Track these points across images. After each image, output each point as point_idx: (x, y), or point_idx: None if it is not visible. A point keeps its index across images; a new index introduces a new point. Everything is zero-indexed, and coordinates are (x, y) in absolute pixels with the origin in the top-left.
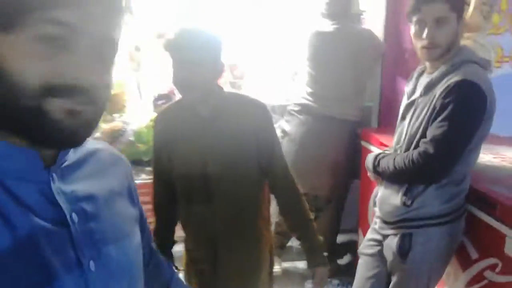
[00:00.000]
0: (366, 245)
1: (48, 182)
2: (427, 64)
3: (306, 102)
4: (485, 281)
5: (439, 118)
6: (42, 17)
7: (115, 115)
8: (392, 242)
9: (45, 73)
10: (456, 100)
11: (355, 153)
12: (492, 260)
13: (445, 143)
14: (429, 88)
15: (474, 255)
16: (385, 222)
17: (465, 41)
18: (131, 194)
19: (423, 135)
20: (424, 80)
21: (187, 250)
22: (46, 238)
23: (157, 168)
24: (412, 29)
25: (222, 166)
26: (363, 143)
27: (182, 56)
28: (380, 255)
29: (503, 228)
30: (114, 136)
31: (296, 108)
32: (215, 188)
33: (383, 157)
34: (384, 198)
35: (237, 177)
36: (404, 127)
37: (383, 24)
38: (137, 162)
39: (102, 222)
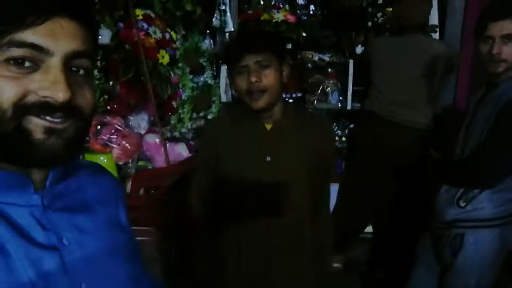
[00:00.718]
0: (421, 245)
1: (39, 206)
2: (492, 77)
3: (375, 108)
4: None
5: (493, 132)
6: (9, 41)
7: (202, 113)
8: (445, 242)
9: (18, 93)
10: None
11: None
12: None
13: (496, 153)
14: (487, 102)
15: None
16: (440, 223)
17: None
18: (119, 219)
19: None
20: (489, 95)
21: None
22: (38, 261)
23: (207, 175)
24: (481, 46)
25: (280, 182)
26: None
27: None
28: (434, 255)
29: None
30: (198, 133)
31: (365, 115)
32: (271, 199)
33: (444, 161)
34: (441, 200)
35: (300, 192)
36: (462, 137)
37: (459, 36)
38: None
39: (92, 249)
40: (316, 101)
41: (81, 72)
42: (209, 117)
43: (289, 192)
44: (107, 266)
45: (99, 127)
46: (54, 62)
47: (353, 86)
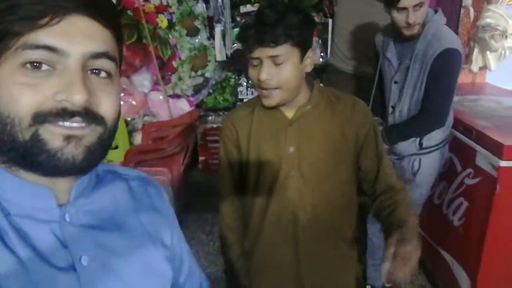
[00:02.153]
0: None
1: (60, 222)
2: (404, 35)
3: (335, 62)
4: (464, 186)
5: (434, 79)
6: (24, 43)
7: (199, 71)
8: (406, 165)
9: (35, 101)
10: (446, 65)
11: None
12: (468, 170)
13: (446, 98)
14: (418, 55)
15: (458, 168)
16: (402, 156)
17: (486, 13)
18: (162, 236)
19: (420, 94)
20: (407, 49)
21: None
22: (52, 283)
23: (229, 168)
24: (395, 15)
25: (309, 172)
26: None
27: None
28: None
29: (475, 146)
30: (198, 89)
31: (328, 69)
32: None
33: (396, 130)
34: (402, 147)
35: (327, 183)
36: (398, 89)
37: None
38: (215, 110)
39: (117, 271)
40: None
41: (103, 74)
42: (207, 75)
43: (318, 184)
44: (133, 286)
45: None
46: (71, 64)
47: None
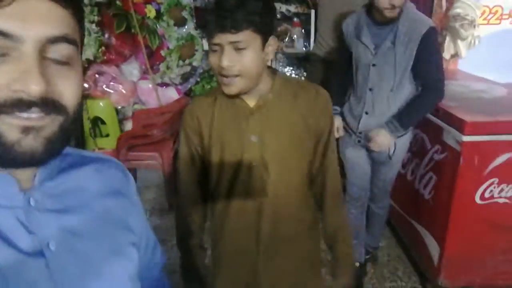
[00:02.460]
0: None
1: (24, 207)
2: (380, 18)
3: (318, 51)
4: (433, 162)
5: (428, 57)
6: None
7: (187, 60)
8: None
9: None
10: (434, 42)
11: None
12: (437, 146)
13: (442, 72)
14: (401, 37)
15: (428, 145)
16: None
17: (457, 3)
18: (128, 221)
19: (405, 73)
20: (385, 32)
21: (218, 256)
22: (20, 269)
23: (189, 159)
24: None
25: (272, 159)
26: None
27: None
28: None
29: (442, 125)
30: (186, 78)
31: (311, 58)
32: (261, 181)
33: (406, 115)
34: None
35: (290, 172)
36: (377, 72)
37: None
38: None
39: (85, 255)
40: (284, 47)
41: (62, 59)
42: (194, 63)
43: (281, 173)
44: (102, 270)
45: (97, 75)
46: (26, 50)
47: (315, 33)
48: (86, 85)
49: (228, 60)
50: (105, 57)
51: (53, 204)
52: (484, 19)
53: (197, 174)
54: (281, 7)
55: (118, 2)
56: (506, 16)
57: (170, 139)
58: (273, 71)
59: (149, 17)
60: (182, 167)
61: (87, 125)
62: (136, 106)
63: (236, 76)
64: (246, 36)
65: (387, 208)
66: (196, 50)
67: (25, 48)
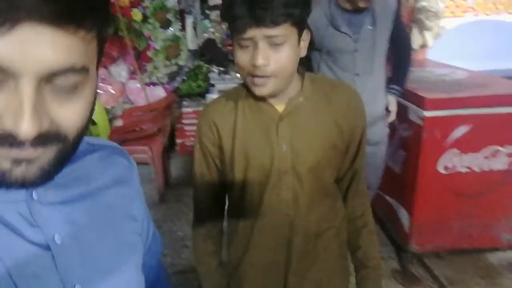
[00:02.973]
0: None
1: (27, 201)
2: (352, 6)
3: None
4: (402, 139)
5: (398, 25)
6: None
7: (173, 60)
8: None
9: None
10: (400, 18)
11: None
12: (404, 124)
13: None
14: (379, 17)
15: (397, 124)
16: None
17: None
18: (131, 209)
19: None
20: (362, 17)
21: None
22: (26, 263)
23: (208, 174)
24: None
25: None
26: None
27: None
28: None
29: (407, 104)
30: (172, 77)
31: None
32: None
33: (402, 76)
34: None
35: (323, 181)
36: (363, 57)
37: None
38: (189, 95)
39: (91, 247)
40: None
41: (66, 89)
42: (180, 63)
43: (315, 183)
44: (108, 263)
45: None
46: (22, 85)
47: None
48: None
49: (263, 58)
50: None
51: (57, 197)
52: (450, 11)
53: (215, 190)
54: None
55: None
56: (470, 9)
57: (158, 134)
58: (301, 70)
59: (135, 20)
60: (198, 182)
61: None
62: (126, 106)
63: (270, 76)
64: (284, 30)
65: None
66: (182, 50)
67: (21, 83)
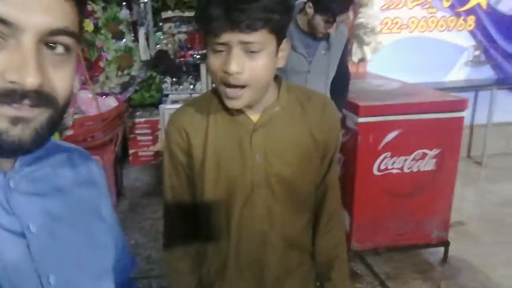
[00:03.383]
0: None
1: (4, 188)
2: (320, 34)
3: None
4: (342, 144)
5: (345, 57)
6: None
7: (126, 71)
8: None
9: None
10: (347, 49)
11: None
12: (343, 131)
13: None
14: (332, 45)
15: None
16: None
17: (360, 14)
18: (101, 210)
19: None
20: (317, 43)
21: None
22: (4, 247)
23: (178, 186)
24: (318, 20)
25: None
26: None
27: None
28: None
29: (345, 112)
30: (125, 87)
31: None
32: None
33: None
34: None
35: (297, 194)
36: (314, 74)
37: None
38: (142, 105)
39: (64, 239)
40: None
41: (60, 50)
42: (133, 73)
43: (289, 196)
44: (81, 256)
45: None
46: (25, 40)
47: None
48: None
49: (237, 65)
50: None
51: (32, 188)
52: (388, 28)
53: (187, 203)
54: None
55: None
56: (405, 26)
57: (110, 144)
58: (277, 78)
59: (87, 30)
60: (169, 196)
61: None
62: (76, 116)
63: (243, 87)
64: (262, 37)
65: None
66: (135, 61)
67: (24, 38)
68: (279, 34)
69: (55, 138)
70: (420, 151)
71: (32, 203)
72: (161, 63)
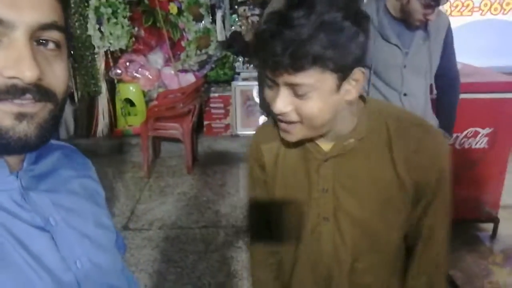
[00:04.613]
0: None
1: (17, 188)
2: (417, 22)
3: None
4: None
5: (450, 50)
6: None
7: (204, 50)
8: None
9: None
10: (452, 43)
11: None
12: None
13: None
14: (432, 35)
15: None
16: None
17: None
18: (96, 198)
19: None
20: (411, 32)
21: None
22: (28, 243)
23: (255, 197)
24: (417, 6)
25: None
26: None
27: None
28: None
29: None
30: (202, 65)
31: None
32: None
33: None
34: None
35: (375, 240)
36: (409, 73)
37: None
38: (217, 82)
39: (79, 228)
40: None
41: (51, 46)
42: (210, 52)
43: (360, 239)
44: (97, 241)
45: (128, 63)
46: (18, 36)
47: None
48: (118, 71)
49: (283, 105)
50: (134, 47)
51: (40, 185)
52: (458, 11)
53: (267, 218)
54: None
55: (146, 0)
56: (477, 9)
57: (189, 114)
58: (362, 102)
59: (171, 13)
60: (251, 207)
61: (119, 105)
62: (160, 89)
63: (296, 122)
64: (310, 78)
65: None
66: (211, 41)
67: (16, 34)
68: (340, 69)
69: (142, 107)
70: (472, 129)
71: (44, 199)
72: (235, 44)
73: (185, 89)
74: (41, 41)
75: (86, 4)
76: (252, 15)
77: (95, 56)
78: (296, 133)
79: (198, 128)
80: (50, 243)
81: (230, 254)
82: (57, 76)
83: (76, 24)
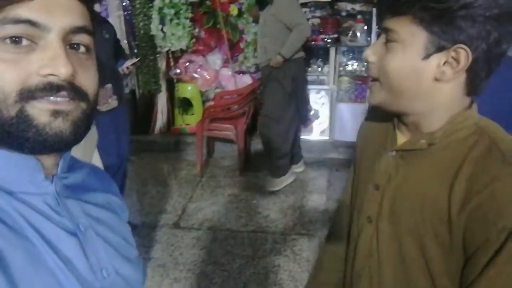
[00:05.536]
0: None
1: (52, 193)
2: None
3: None
4: None
5: None
6: (3, 18)
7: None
8: None
9: (19, 76)
10: None
11: None
12: None
13: None
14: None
15: None
16: None
17: None
18: (121, 214)
19: None
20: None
21: None
22: (59, 247)
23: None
24: None
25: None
26: None
27: None
28: None
29: None
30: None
31: None
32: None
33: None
34: None
35: (404, 257)
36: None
37: None
38: None
39: (106, 237)
40: (348, 41)
41: (81, 49)
42: None
43: (393, 249)
44: (124, 254)
45: (187, 63)
46: (52, 38)
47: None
48: (178, 70)
49: (371, 52)
50: (194, 48)
51: (71, 193)
52: None
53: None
54: (346, 5)
55: (207, 2)
56: None
57: (243, 116)
58: (467, 107)
59: (232, 14)
60: (339, 203)
61: (177, 104)
62: (217, 90)
63: (374, 80)
64: (402, 26)
65: None
66: None
67: (51, 36)
68: (434, 33)
69: (199, 107)
70: None
71: (75, 206)
72: None
73: (241, 91)
74: (73, 45)
75: (150, 5)
76: (313, 17)
77: (157, 55)
78: (375, 93)
79: (252, 131)
80: (79, 249)
81: (277, 262)
82: (89, 77)
83: (141, 24)
